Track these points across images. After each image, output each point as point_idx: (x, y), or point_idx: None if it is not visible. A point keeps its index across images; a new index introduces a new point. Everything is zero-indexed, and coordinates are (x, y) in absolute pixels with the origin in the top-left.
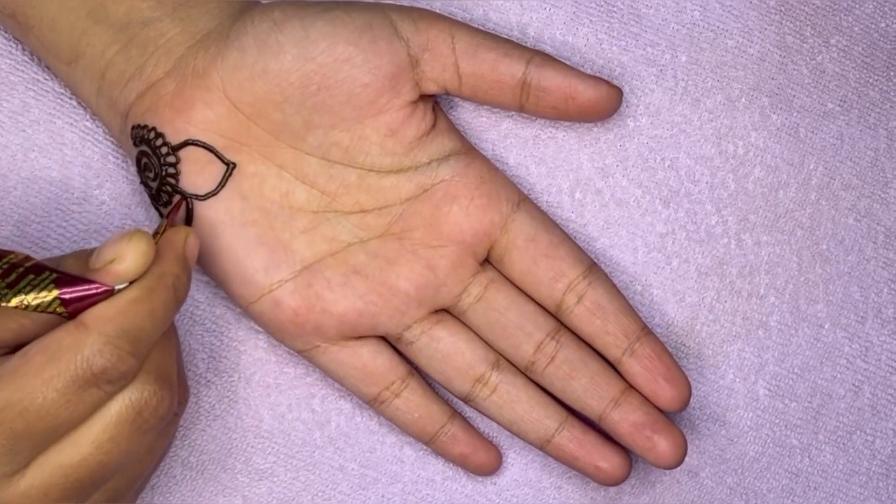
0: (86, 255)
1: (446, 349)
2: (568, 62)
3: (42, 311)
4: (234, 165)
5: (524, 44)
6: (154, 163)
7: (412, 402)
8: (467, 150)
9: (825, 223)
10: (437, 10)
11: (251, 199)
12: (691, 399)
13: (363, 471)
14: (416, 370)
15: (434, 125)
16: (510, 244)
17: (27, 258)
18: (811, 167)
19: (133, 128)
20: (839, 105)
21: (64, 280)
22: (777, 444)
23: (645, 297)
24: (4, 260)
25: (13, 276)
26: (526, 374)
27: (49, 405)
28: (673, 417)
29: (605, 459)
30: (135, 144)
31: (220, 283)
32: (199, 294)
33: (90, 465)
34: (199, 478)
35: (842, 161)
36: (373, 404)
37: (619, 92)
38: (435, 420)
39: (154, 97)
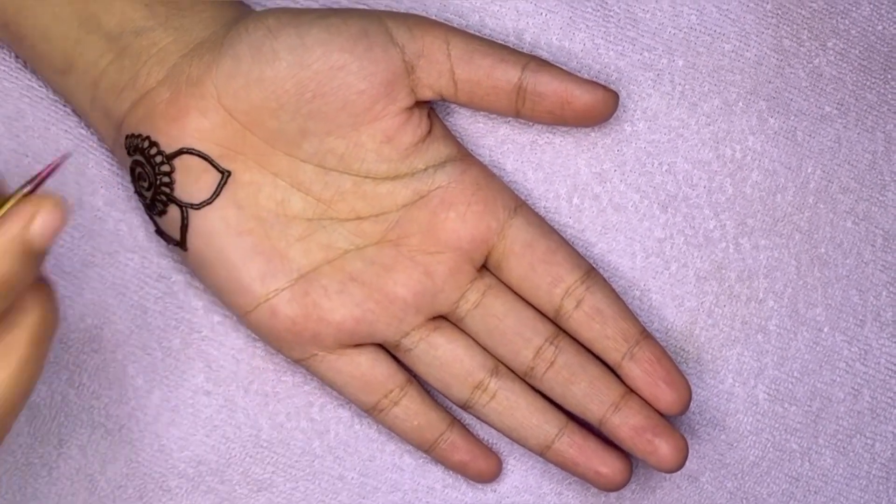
0: None
1: (445, 356)
2: (565, 67)
3: None
4: (230, 174)
5: (520, 49)
6: (148, 172)
7: (411, 409)
8: (463, 156)
9: (823, 227)
10: (433, 17)
11: (246, 208)
12: (691, 403)
13: (363, 480)
14: (414, 378)
15: (430, 131)
16: (508, 250)
17: None
18: (809, 171)
19: (127, 137)
20: (837, 108)
21: None
22: (777, 448)
23: (644, 301)
24: None
25: None
26: (525, 379)
27: None
28: (672, 422)
29: (606, 464)
30: (129, 154)
31: (216, 293)
32: (197, 301)
33: None
34: (195, 490)
35: (839, 164)
36: (371, 413)
37: (615, 96)
38: (434, 428)
39: (148, 106)
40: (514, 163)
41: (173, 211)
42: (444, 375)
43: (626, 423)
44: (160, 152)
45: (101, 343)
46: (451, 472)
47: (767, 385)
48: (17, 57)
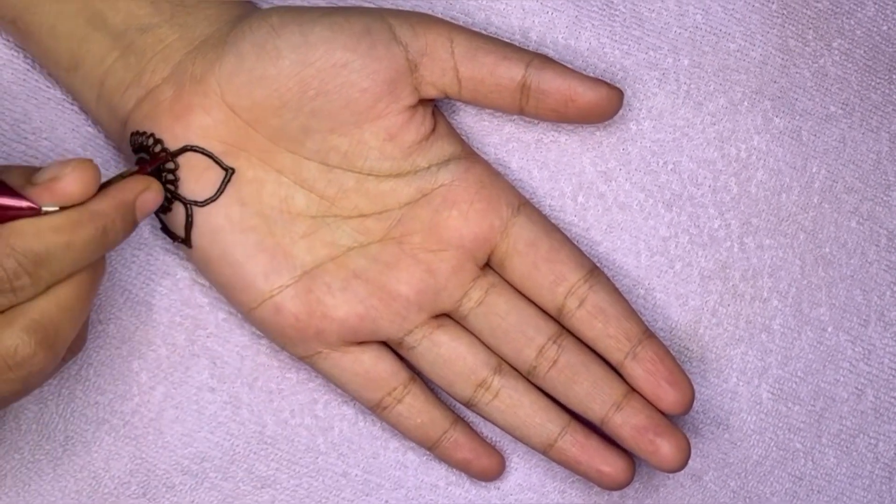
0: (32, 171)
1: (448, 354)
2: (570, 66)
3: None
4: (233, 171)
5: (526, 48)
6: (153, 169)
7: (414, 407)
8: (467, 154)
9: (828, 226)
10: (439, 15)
11: (250, 205)
12: (694, 402)
13: (366, 477)
14: (418, 375)
15: (434, 129)
16: (511, 248)
17: None
18: (814, 170)
19: (132, 134)
20: (841, 108)
21: None
22: (780, 447)
23: (648, 300)
24: None
25: None
26: (528, 378)
27: None
28: (676, 421)
29: (608, 463)
30: (134, 151)
31: (220, 290)
32: (203, 298)
33: None
34: (199, 487)
35: (844, 164)
36: (375, 410)
37: (619, 93)
38: (437, 425)
39: (152, 103)
40: (519, 161)
41: (178, 208)
42: (447, 373)
43: (627, 422)
44: (164, 149)
45: (106, 339)
46: (454, 470)
47: (771, 384)
48: (24, 59)
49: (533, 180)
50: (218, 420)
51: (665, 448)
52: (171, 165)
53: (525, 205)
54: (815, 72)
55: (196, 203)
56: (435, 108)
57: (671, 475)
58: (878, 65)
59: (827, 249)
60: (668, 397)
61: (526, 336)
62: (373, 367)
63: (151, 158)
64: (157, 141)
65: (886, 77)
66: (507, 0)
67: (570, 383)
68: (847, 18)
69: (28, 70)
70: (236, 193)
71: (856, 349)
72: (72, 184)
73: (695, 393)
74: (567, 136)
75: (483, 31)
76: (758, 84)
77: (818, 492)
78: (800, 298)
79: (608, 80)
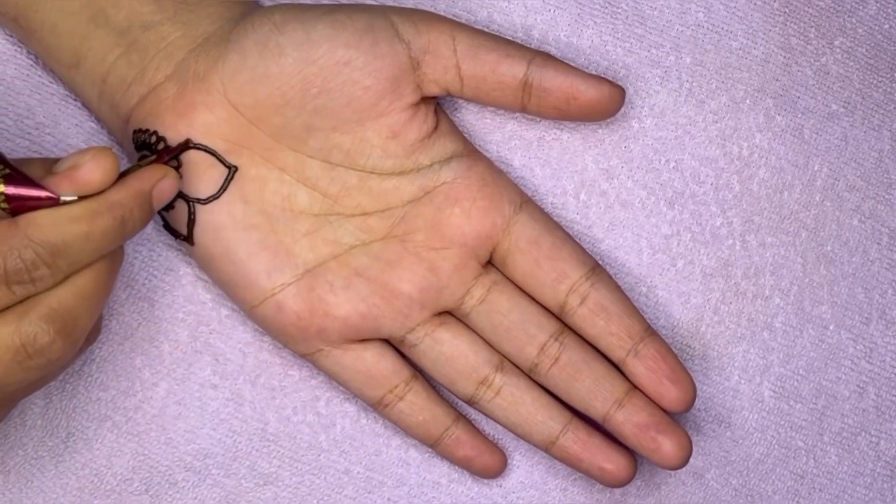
0: (52, 162)
1: (450, 352)
2: (572, 64)
3: None
4: (236, 169)
5: (528, 46)
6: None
7: (416, 405)
8: (469, 152)
9: (830, 224)
10: (441, 13)
11: (253, 203)
12: (696, 400)
13: (369, 474)
14: (419, 373)
15: (436, 127)
16: (513, 246)
17: None
18: (816, 169)
19: (134, 132)
20: (843, 107)
21: (14, 179)
22: (782, 445)
23: (650, 298)
24: None
25: None
26: (530, 375)
27: None
28: (678, 419)
29: (610, 461)
30: (136, 149)
31: (222, 287)
32: (205, 294)
33: None
34: (202, 483)
35: (846, 162)
36: (377, 407)
37: (621, 91)
38: (439, 423)
39: (155, 101)
40: (521, 159)
41: (180, 206)
42: (449, 371)
43: (629, 420)
44: (167, 147)
45: (109, 335)
46: (456, 467)
47: (773, 382)
48: (27, 55)
49: (535, 178)
50: (220, 417)
51: (667, 446)
52: (174, 164)
53: (527, 202)
54: (816, 70)
55: (199, 200)
56: (437, 106)
57: (673, 473)
58: (880, 63)
59: (829, 247)
60: (669, 395)
61: (528, 333)
62: (374, 364)
63: (167, 148)
64: (160, 139)
65: (888, 75)
66: None
67: (572, 381)
68: (849, 17)
69: (31, 66)
70: (239, 191)
71: (857, 347)
72: (91, 172)
73: (696, 390)
74: (569, 133)
75: (485, 29)
76: (760, 82)
77: (820, 490)
78: (801, 296)
79: (610, 78)
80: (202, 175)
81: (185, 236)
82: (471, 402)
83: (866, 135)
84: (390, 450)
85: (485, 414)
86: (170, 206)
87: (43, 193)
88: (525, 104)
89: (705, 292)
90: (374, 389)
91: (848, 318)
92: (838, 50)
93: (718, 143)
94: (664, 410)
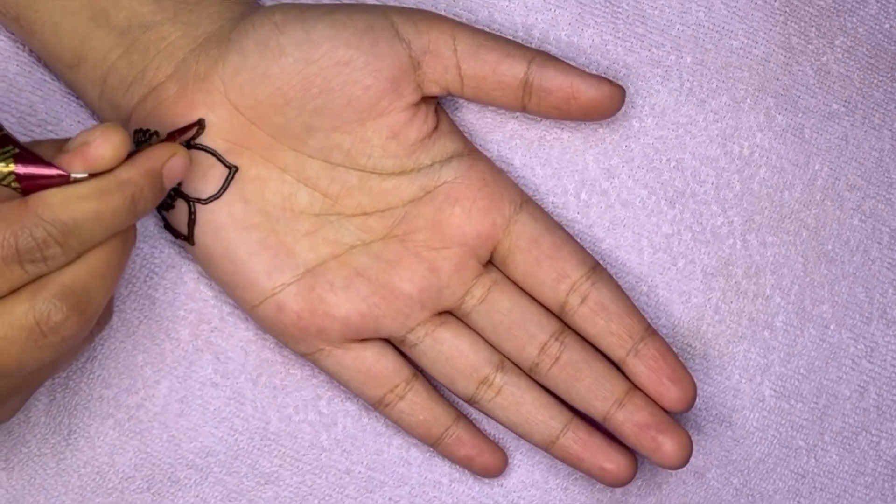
0: (62, 142)
1: (450, 351)
2: (573, 63)
3: None
4: (236, 169)
5: (529, 45)
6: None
7: (417, 404)
8: (470, 151)
9: (830, 224)
10: (442, 12)
11: (253, 203)
12: (697, 400)
13: (370, 474)
14: (420, 372)
15: (436, 127)
16: (513, 246)
17: None
18: (816, 168)
19: (135, 132)
20: (844, 106)
21: (24, 157)
22: (783, 444)
23: (650, 297)
24: None
25: None
26: (530, 375)
27: None
28: (678, 418)
29: (611, 461)
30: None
31: (223, 287)
32: (207, 292)
33: None
34: (203, 481)
35: (847, 162)
36: (378, 407)
37: (621, 91)
38: (440, 422)
39: (156, 101)
40: (522, 158)
41: (181, 205)
42: (449, 370)
43: (629, 419)
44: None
45: (111, 332)
46: (458, 467)
47: (774, 382)
48: (29, 52)
49: (536, 177)
50: (222, 415)
51: (667, 445)
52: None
53: (527, 202)
54: (817, 69)
55: (199, 200)
56: (437, 106)
57: (674, 472)
58: (881, 63)
59: (829, 247)
60: (670, 394)
61: (528, 333)
62: (375, 364)
63: (180, 129)
64: (161, 140)
65: (889, 75)
66: None
67: (573, 380)
68: (849, 16)
69: (33, 63)
70: (239, 191)
71: (858, 347)
72: (101, 147)
73: (697, 390)
74: (570, 133)
75: (486, 29)
76: (760, 81)
77: (821, 489)
78: (802, 296)
79: (611, 78)
80: (202, 175)
81: (185, 236)
82: (471, 402)
83: (867, 134)
84: (392, 449)
85: (485, 413)
86: (170, 206)
87: (53, 171)
88: (525, 104)
89: (706, 291)
90: (374, 389)
91: (849, 318)
92: (839, 49)
93: (719, 142)
94: (665, 410)
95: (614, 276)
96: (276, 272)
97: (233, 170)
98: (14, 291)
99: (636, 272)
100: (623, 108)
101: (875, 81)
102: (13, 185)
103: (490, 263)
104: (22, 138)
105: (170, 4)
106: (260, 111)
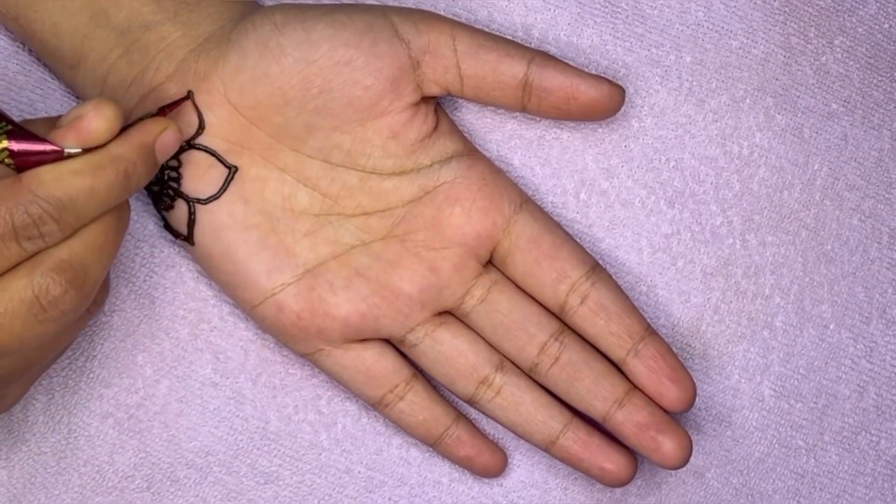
0: (55, 119)
1: (450, 351)
2: (572, 63)
3: None
4: (236, 169)
5: (528, 45)
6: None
7: (416, 404)
8: (470, 151)
9: (830, 224)
10: (441, 12)
11: (253, 203)
12: (696, 399)
13: (370, 473)
14: (420, 373)
15: (436, 127)
16: (513, 246)
17: None
18: (816, 168)
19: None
20: (843, 106)
21: (17, 134)
22: (782, 444)
23: (650, 297)
24: None
25: None
26: (530, 375)
27: None
28: (678, 418)
29: (611, 461)
30: None
31: (222, 287)
32: (207, 291)
33: None
34: (203, 481)
35: (846, 162)
36: (377, 407)
37: (621, 91)
38: (440, 422)
39: (155, 101)
40: (521, 158)
41: (180, 205)
42: (449, 371)
43: (629, 419)
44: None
45: (111, 331)
46: (457, 467)
47: (773, 381)
48: (29, 51)
49: (535, 177)
50: (221, 415)
51: (667, 445)
52: (174, 163)
53: (527, 202)
54: (816, 69)
55: (199, 200)
56: (437, 106)
57: (674, 472)
58: (880, 62)
59: (829, 247)
60: (669, 394)
61: (528, 333)
62: (375, 364)
63: (171, 103)
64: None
65: (888, 75)
66: None
67: (572, 380)
68: (849, 16)
69: (33, 62)
70: (239, 191)
71: (858, 346)
72: (94, 120)
73: (696, 390)
74: (569, 133)
75: (485, 29)
76: (760, 81)
77: (820, 489)
78: (802, 296)
79: (610, 78)
80: (202, 175)
81: (185, 236)
82: (471, 402)
83: (866, 134)
84: (391, 449)
85: (485, 414)
86: (170, 206)
87: (48, 147)
88: (525, 104)
89: (705, 291)
90: (374, 389)
91: (848, 318)
92: (838, 49)
93: (718, 142)
94: (664, 410)
95: (614, 276)
96: (275, 272)
97: (232, 170)
98: (12, 268)
99: (636, 272)
100: (622, 108)
101: (874, 81)
102: (7, 161)
103: (490, 263)
104: None
105: (170, 4)
106: (260, 111)
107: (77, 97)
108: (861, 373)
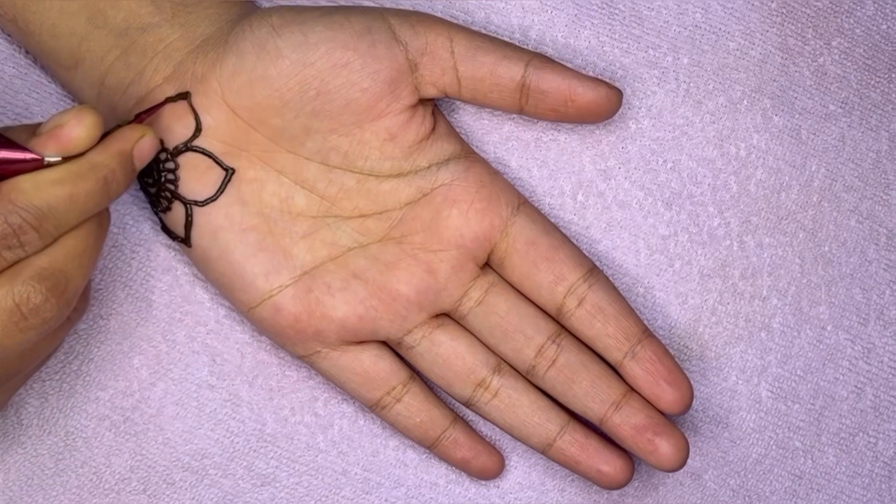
0: (35, 127)
1: (447, 353)
2: (570, 65)
3: None
4: (234, 171)
5: (525, 47)
6: (153, 169)
7: (414, 406)
8: (467, 153)
9: (827, 225)
10: (439, 14)
11: (251, 205)
12: (694, 401)
13: (366, 475)
14: (417, 375)
15: (434, 129)
16: (510, 248)
17: None
18: (813, 169)
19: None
20: (841, 107)
21: None
22: (780, 446)
23: (647, 299)
24: None
25: None
26: (527, 377)
27: None
28: (676, 420)
29: (608, 463)
30: None
31: (220, 289)
32: (203, 294)
33: None
34: (199, 483)
35: (844, 163)
36: (374, 409)
37: (618, 93)
38: (437, 424)
39: (153, 103)
40: (518, 159)
41: (178, 207)
42: (446, 373)
43: (626, 422)
44: (164, 149)
45: (107, 334)
46: (454, 468)
47: (771, 383)
48: (25, 54)
49: (532, 179)
50: (218, 417)
51: (664, 447)
52: (171, 165)
53: (524, 204)
54: (814, 70)
55: (196, 203)
56: (435, 108)
57: (671, 474)
58: (878, 63)
59: (826, 248)
60: (666, 397)
61: (525, 335)
62: (372, 366)
63: (147, 109)
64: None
65: (886, 76)
66: None
67: (569, 383)
68: (846, 17)
69: (30, 65)
70: (237, 193)
71: (855, 348)
72: (75, 128)
73: (693, 392)
74: (566, 134)
75: (483, 30)
76: (757, 83)
77: (818, 490)
78: (799, 297)
79: (607, 79)
80: (200, 177)
81: (182, 238)
82: (468, 404)
83: (864, 135)
84: (388, 451)
85: (482, 416)
86: (167, 208)
87: (28, 155)
88: (522, 106)
89: (703, 293)
90: (371, 391)
91: (846, 319)
92: (836, 50)
93: (716, 143)
94: (661, 412)
95: (611, 278)
96: (273, 274)
97: (230, 172)
98: None
99: (633, 274)
100: (619, 110)
101: (872, 82)
102: None
103: (487, 266)
104: None
105: (168, 6)
106: (257, 113)
107: (74, 99)
108: (859, 374)
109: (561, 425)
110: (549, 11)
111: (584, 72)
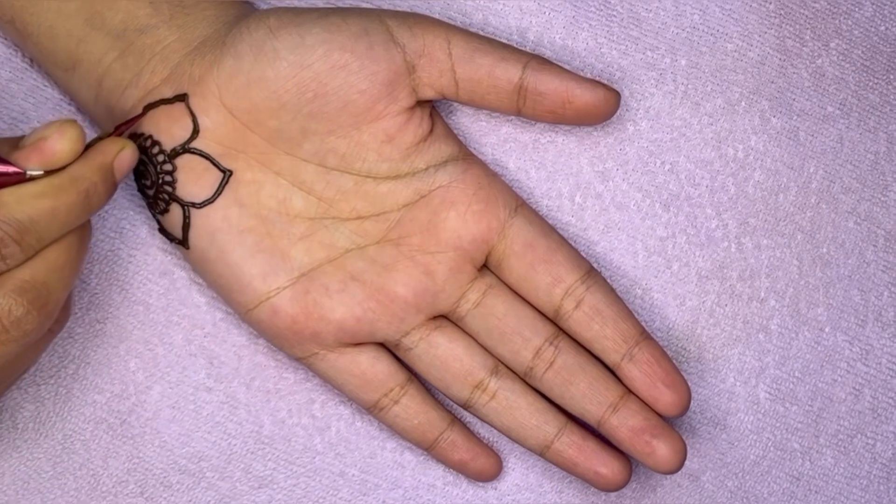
0: (18, 139)
1: (445, 355)
2: (567, 66)
3: None
4: (231, 173)
5: (523, 48)
6: (150, 171)
7: (411, 408)
8: (465, 155)
9: (825, 227)
10: (436, 16)
11: (248, 207)
12: (692, 403)
13: (364, 476)
14: (415, 376)
15: (431, 131)
16: (508, 250)
17: None
18: (811, 171)
19: (130, 136)
20: (839, 108)
21: None
22: (778, 447)
23: (645, 300)
24: None
25: None
26: (525, 379)
27: None
28: (673, 422)
29: (605, 465)
30: None
31: (217, 291)
32: (200, 297)
33: None
34: (196, 486)
35: (842, 164)
36: (372, 411)
37: (616, 95)
38: (434, 426)
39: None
40: (516, 161)
41: (175, 209)
42: (444, 375)
43: (624, 424)
44: (162, 151)
45: (104, 338)
46: (452, 470)
47: (769, 384)
48: (22, 58)
49: (530, 180)
50: (215, 420)
51: (661, 449)
52: (169, 167)
53: (522, 206)
54: (812, 72)
55: (193, 205)
56: (432, 110)
57: (669, 476)
58: (876, 65)
59: (824, 249)
60: (664, 399)
61: (523, 337)
62: (369, 368)
63: (125, 122)
64: (155, 142)
65: (884, 77)
66: (505, 0)
67: (567, 385)
68: (845, 19)
69: (26, 69)
70: (234, 195)
71: (853, 349)
72: (58, 141)
73: (691, 394)
74: (564, 136)
75: (480, 32)
76: (755, 84)
77: (816, 492)
78: (797, 298)
79: (605, 81)
80: (198, 179)
81: (180, 240)
82: (466, 406)
83: (862, 137)
84: (385, 452)
85: (480, 418)
86: (165, 210)
87: (10, 169)
88: (520, 108)
89: (701, 295)
90: (369, 393)
91: (844, 321)
92: (834, 52)
93: (714, 145)
94: (659, 414)
95: (609, 280)
96: (271, 276)
97: (227, 174)
98: None
99: (631, 275)
100: (617, 112)
101: (870, 84)
102: None
103: (485, 267)
104: None
105: (165, 7)
106: (255, 115)
107: (70, 103)
108: (857, 376)
109: (559, 427)
110: (547, 13)
111: (581, 73)
